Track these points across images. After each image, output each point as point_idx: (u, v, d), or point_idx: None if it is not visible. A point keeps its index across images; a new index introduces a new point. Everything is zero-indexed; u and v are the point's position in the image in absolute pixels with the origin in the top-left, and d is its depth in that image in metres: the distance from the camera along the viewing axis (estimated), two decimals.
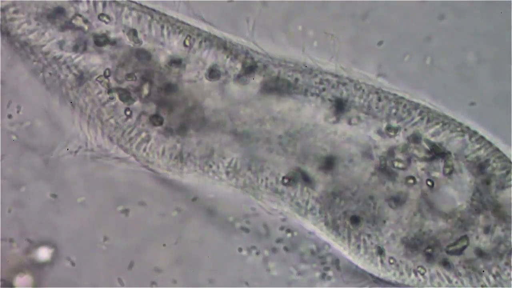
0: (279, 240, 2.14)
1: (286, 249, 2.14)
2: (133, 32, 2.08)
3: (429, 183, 2.04)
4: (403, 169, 2.05)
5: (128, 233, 2.17)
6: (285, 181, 2.07)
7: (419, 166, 2.05)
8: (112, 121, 2.10)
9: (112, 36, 2.08)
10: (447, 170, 2.04)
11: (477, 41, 2.12)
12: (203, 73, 2.08)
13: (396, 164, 2.05)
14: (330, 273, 2.14)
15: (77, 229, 2.18)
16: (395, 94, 2.09)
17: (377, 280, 2.09)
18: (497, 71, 2.12)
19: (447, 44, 2.13)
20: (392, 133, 2.06)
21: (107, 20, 2.07)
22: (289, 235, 2.14)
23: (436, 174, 2.05)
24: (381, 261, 2.08)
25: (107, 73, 2.08)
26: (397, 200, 2.05)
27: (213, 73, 2.08)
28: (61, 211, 2.17)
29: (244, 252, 2.15)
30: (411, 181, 2.05)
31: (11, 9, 2.08)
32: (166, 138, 2.09)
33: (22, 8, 2.08)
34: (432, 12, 2.13)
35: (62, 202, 2.17)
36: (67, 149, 2.15)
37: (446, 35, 2.13)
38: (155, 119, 2.08)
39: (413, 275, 2.07)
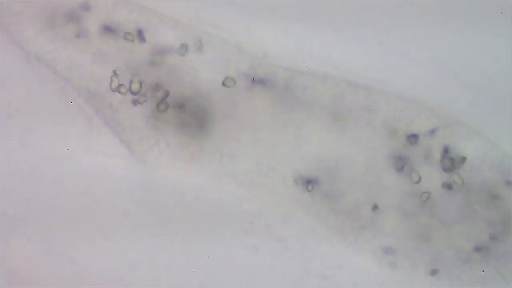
0: (280, 239, 2.15)
1: (287, 248, 2.15)
2: (139, 32, 2.09)
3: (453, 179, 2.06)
4: (418, 181, 2.06)
5: (131, 233, 2.17)
6: (298, 183, 2.09)
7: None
8: (125, 123, 2.10)
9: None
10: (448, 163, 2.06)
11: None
12: (218, 81, 2.09)
13: (413, 177, 2.06)
14: (330, 272, 2.14)
15: (78, 228, 2.18)
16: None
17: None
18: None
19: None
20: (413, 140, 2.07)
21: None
22: (290, 234, 2.14)
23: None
24: (391, 263, 2.08)
25: (118, 72, 2.08)
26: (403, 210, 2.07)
27: (226, 81, 2.09)
28: (62, 209, 2.18)
29: (245, 251, 2.15)
30: (426, 195, 2.06)
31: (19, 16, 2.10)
32: (178, 139, 2.09)
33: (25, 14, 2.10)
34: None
35: (63, 201, 2.17)
36: (67, 149, 2.15)
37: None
38: (164, 108, 2.08)
39: (423, 273, 2.08)
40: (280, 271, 2.15)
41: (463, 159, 2.05)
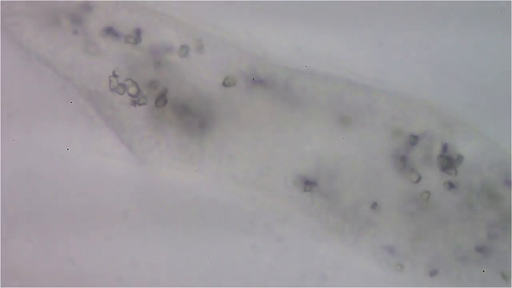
0: (280, 239, 2.14)
1: (287, 248, 2.15)
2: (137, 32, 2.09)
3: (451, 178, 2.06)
4: (418, 180, 2.06)
5: (131, 233, 2.17)
6: (297, 183, 2.09)
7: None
8: (126, 123, 2.10)
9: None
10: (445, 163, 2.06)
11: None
12: (218, 81, 2.09)
13: (412, 177, 2.06)
14: (330, 272, 2.14)
15: (78, 228, 2.18)
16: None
17: None
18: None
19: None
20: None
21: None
22: (291, 234, 2.14)
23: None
24: (397, 266, 2.09)
25: (117, 73, 2.08)
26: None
27: (226, 81, 2.09)
28: (61, 209, 2.17)
29: (245, 251, 2.15)
30: (426, 194, 2.05)
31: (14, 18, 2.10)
32: (178, 140, 2.09)
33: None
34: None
35: (63, 201, 2.17)
36: (67, 149, 2.15)
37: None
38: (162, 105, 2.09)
39: (422, 273, 2.08)
40: (280, 271, 2.15)
41: (460, 157, 2.05)
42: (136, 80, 2.09)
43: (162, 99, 2.07)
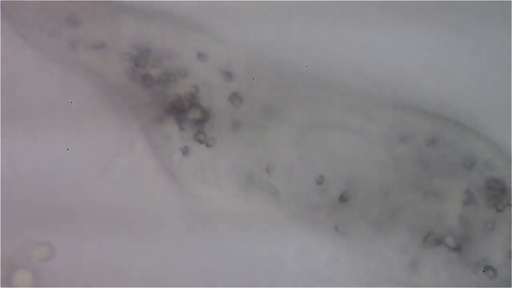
0: (281, 240, 2.14)
1: (287, 248, 2.15)
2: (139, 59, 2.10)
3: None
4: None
5: (130, 233, 2.17)
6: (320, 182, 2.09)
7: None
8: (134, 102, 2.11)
9: None
10: None
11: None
12: (220, 80, 2.10)
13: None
14: (330, 272, 2.14)
15: (78, 228, 2.18)
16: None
17: None
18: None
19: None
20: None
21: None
22: (291, 234, 2.14)
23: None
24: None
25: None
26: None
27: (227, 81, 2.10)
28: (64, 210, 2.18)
29: (246, 252, 2.15)
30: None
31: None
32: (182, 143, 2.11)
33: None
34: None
35: (63, 201, 2.17)
36: (67, 149, 2.16)
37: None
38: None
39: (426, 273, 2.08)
40: (280, 271, 2.15)
41: (470, 159, 2.05)
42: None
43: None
